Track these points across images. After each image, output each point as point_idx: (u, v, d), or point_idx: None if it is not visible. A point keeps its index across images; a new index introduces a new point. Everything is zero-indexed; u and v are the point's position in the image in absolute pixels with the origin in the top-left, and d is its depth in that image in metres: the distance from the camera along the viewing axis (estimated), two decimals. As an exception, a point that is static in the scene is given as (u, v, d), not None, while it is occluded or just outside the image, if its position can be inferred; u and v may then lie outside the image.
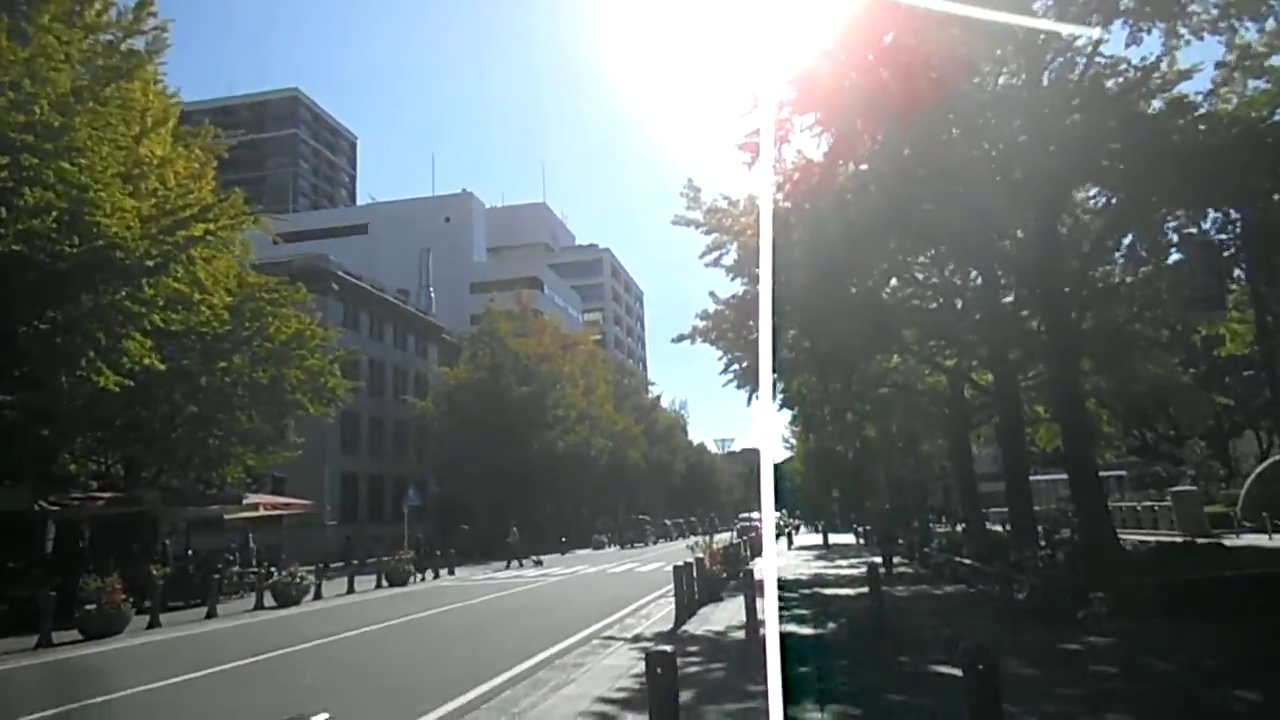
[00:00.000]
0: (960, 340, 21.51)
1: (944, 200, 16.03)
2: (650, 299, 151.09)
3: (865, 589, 16.35)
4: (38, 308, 15.28)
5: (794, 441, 78.20)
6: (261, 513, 22.43)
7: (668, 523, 64.38)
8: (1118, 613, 10.96)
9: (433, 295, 68.78)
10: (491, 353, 53.86)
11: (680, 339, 20.54)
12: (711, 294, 19.68)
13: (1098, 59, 14.11)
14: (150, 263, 15.78)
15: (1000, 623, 11.04)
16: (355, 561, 28.06)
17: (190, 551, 23.43)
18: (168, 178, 19.45)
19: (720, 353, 26.05)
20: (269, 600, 18.67)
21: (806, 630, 11.05)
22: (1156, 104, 14.10)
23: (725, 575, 16.32)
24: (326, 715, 2.73)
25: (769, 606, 9.53)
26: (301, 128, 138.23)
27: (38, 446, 21.17)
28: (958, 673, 7.85)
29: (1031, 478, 39.45)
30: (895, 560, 19.91)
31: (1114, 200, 15.73)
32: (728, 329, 19.48)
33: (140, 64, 17.51)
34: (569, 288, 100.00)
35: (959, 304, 21.49)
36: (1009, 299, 20.78)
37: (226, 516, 24.50)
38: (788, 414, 65.85)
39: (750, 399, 24.73)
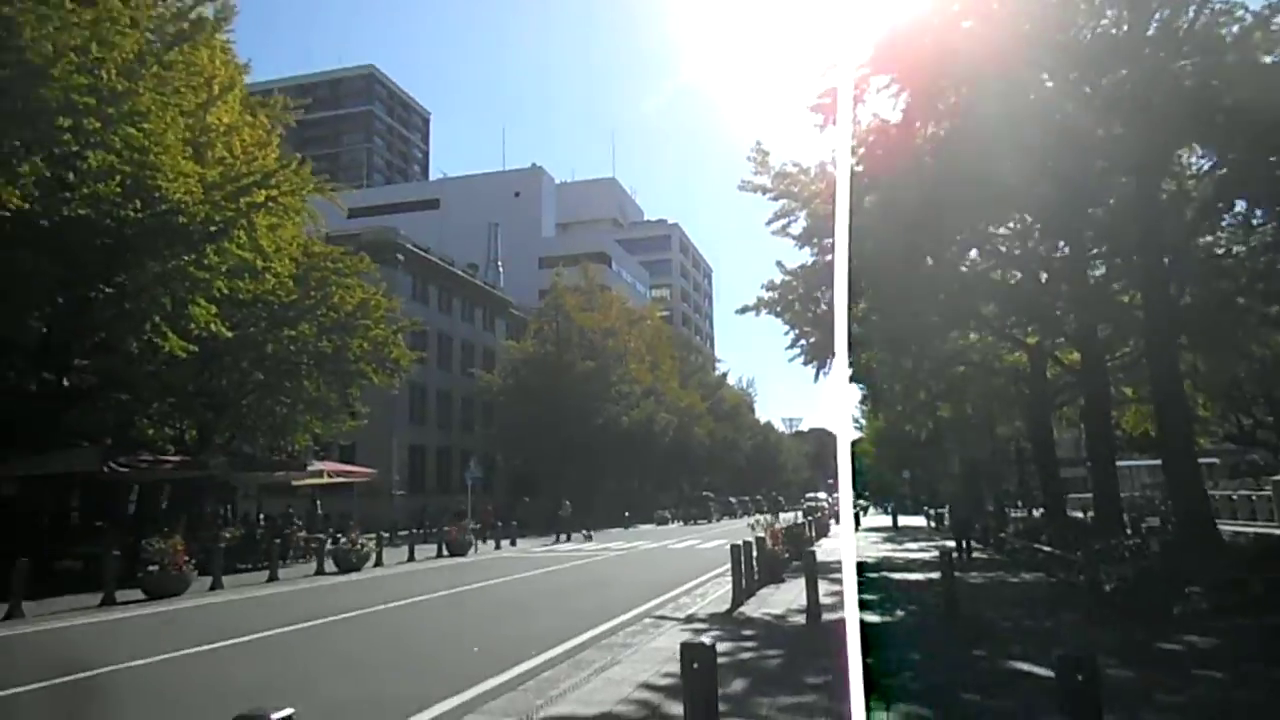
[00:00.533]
0: (1044, 316, 20.23)
1: (1032, 163, 14.91)
2: (719, 276, 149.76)
3: (936, 574, 15.54)
4: (106, 272, 15.48)
5: (863, 421, 76.71)
6: (326, 480, 22.67)
7: (732, 500, 63.78)
8: (1219, 610, 9.99)
9: (501, 269, 69.10)
10: (557, 327, 53.81)
11: (745, 310, 19.83)
12: (779, 264, 18.92)
13: (1211, 3, 12.79)
14: (213, 228, 15.81)
15: (1086, 616, 10.17)
16: (423, 530, 28.23)
17: (261, 516, 23.84)
18: (234, 145, 19.54)
19: (787, 327, 25.37)
20: (330, 566, 18.79)
21: (873, 618, 10.36)
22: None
23: (788, 555, 15.67)
24: (290, 711, 2.23)
25: (848, 594, 8.87)
26: (377, 104, 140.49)
27: (115, 411, 21.83)
28: (1041, 671, 7.18)
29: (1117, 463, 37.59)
30: (970, 545, 18.92)
31: (1224, 161, 14.34)
32: (794, 300, 18.69)
33: (207, 30, 17.50)
34: (637, 263, 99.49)
35: (1044, 277, 20.18)
36: (1099, 272, 19.43)
37: (294, 483, 24.88)
38: (857, 392, 64.31)
39: (818, 375, 23.91)
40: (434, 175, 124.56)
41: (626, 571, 18.27)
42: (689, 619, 10.22)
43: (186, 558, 14.32)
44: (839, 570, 16.68)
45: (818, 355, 23.86)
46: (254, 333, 20.83)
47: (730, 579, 12.25)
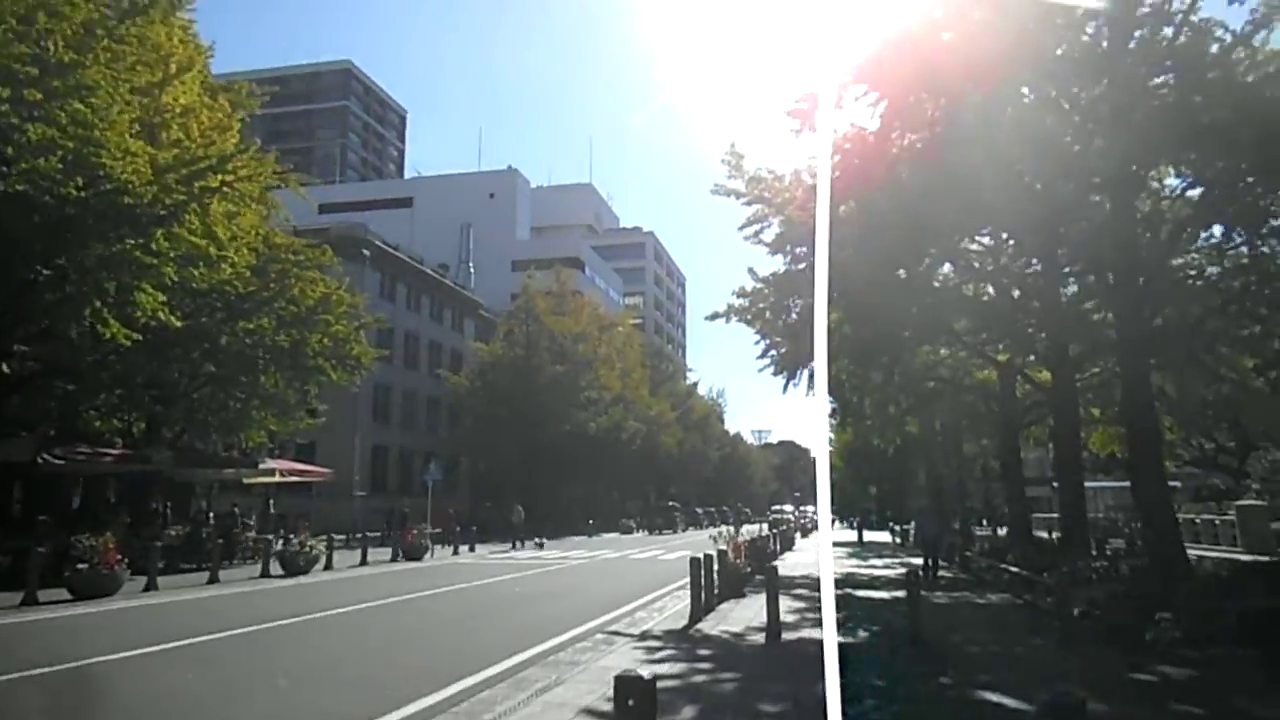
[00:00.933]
0: (1016, 333, 20.07)
1: (1009, 176, 14.68)
2: (693, 285, 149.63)
3: (901, 593, 15.20)
4: (45, 254, 14.69)
5: (832, 435, 76.69)
6: (279, 479, 21.86)
7: (699, 510, 63.39)
8: (1191, 639, 9.68)
9: (472, 270, 68.34)
10: (527, 330, 53.19)
11: (714, 317, 19.43)
12: (750, 270, 18.51)
13: (1193, 19, 12.61)
14: (162, 212, 15.08)
15: (1055, 641, 9.81)
16: (390, 533, 27.32)
17: (210, 515, 22.94)
18: (191, 128, 18.78)
19: (757, 337, 25.03)
20: (277, 569, 18.03)
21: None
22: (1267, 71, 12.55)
23: (750, 570, 15.22)
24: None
25: (826, 617, 8.41)
26: (353, 100, 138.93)
27: (59, 401, 20.91)
28: (1013, 703, 6.78)
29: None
30: (936, 564, 18.61)
31: (1201, 180, 14.18)
32: (765, 309, 18.30)
33: (163, 4, 16.78)
34: (611, 270, 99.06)
35: (1016, 294, 20.02)
36: (1070, 289, 19.29)
37: (246, 480, 24.05)
38: (827, 404, 64.17)
39: (787, 386, 23.53)
40: (409, 174, 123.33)
41: (584, 582, 17.73)
42: (643, 636, 9.71)
43: (120, 556, 13.55)
44: (802, 586, 16.29)
45: (788, 365, 23.49)
46: (207, 323, 20.00)
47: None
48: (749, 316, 18.60)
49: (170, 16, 18.17)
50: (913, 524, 22.75)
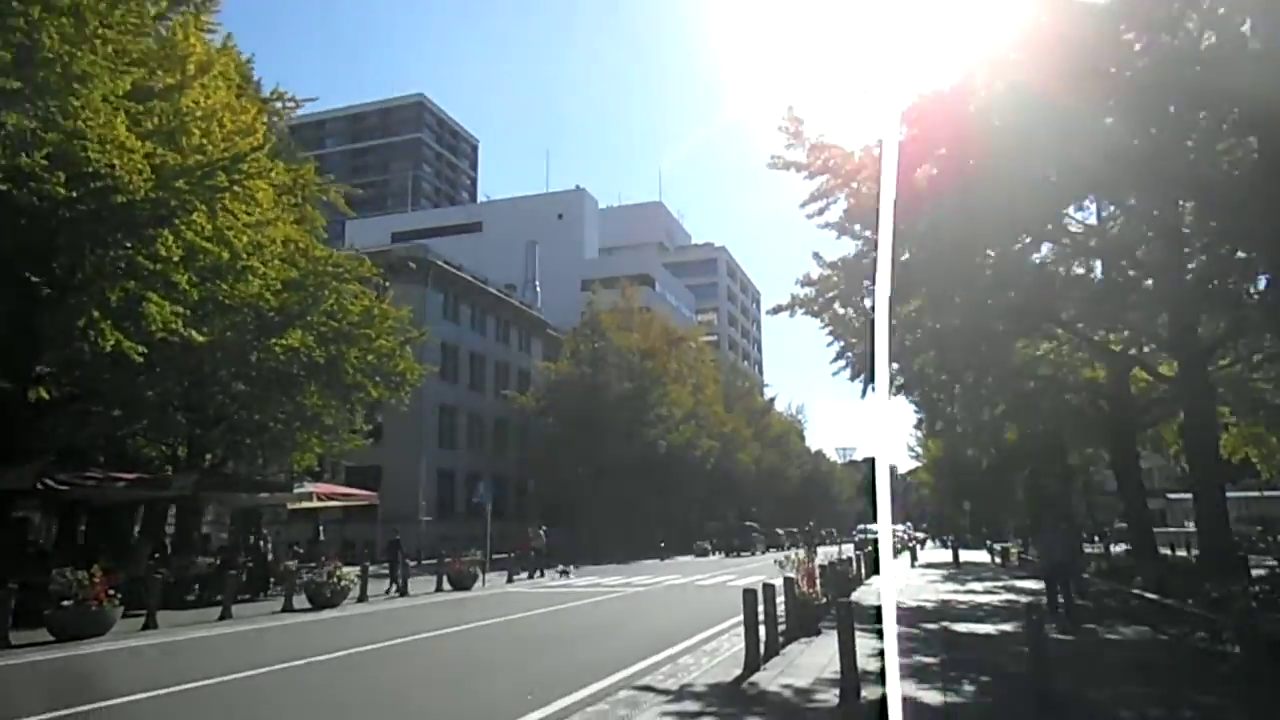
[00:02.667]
0: (1131, 318, 17.28)
1: (1121, 121, 12.19)
2: (768, 301, 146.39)
3: (1010, 626, 12.66)
4: (38, 261, 13.65)
5: (919, 449, 72.74)
6: (317, 503, 20.60)
7: (780, 531, 60.37)
8: None
9: (539, 289, 67.30)
10: (593, 347, 51.68)
11: (777, 310, 17.19)
12: (815, 255, 16.20)
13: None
14: (163, 211, 13.87)
15: (1225, 691, 7.33)
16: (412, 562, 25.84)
17: (250, 542, 21.81)
18: (214, 132, 17.77)
19: (830, 337, 22.72)
20: (302, 602, 16.57)
21: (932, 694, 7.66)
22: None
23: (826, 600, 12.93)
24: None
25: (889, 660, 6.30)
26: (426, 132, 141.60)
27: (99, 424, 20.12)
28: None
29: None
30: (1070, 594, 15.72)
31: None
32: (835, 298, 15.98)
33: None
34: (683, 286, 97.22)
35: (1131, 273, 17.22)
36: (1193, 265, 16.43)
37: (292, 506, 22.87)
38: (913, 415, 60.66)
39: (865, 391, 21.17)
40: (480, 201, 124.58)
41: (635, 614, 15.69)
42: (680, 692, 7.63)
43: (111, 591, 12.20)
44: (895, 617, 13.87)
45: (864, 367, 21.16)
46: (232, 339, 18.88)
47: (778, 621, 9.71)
48: (815, 308, 16.30)
49: (191, 16, 17.26)
50: (1035, 545, 19.95)
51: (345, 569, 17.79)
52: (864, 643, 10.78)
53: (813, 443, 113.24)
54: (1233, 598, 11.51)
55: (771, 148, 15.03)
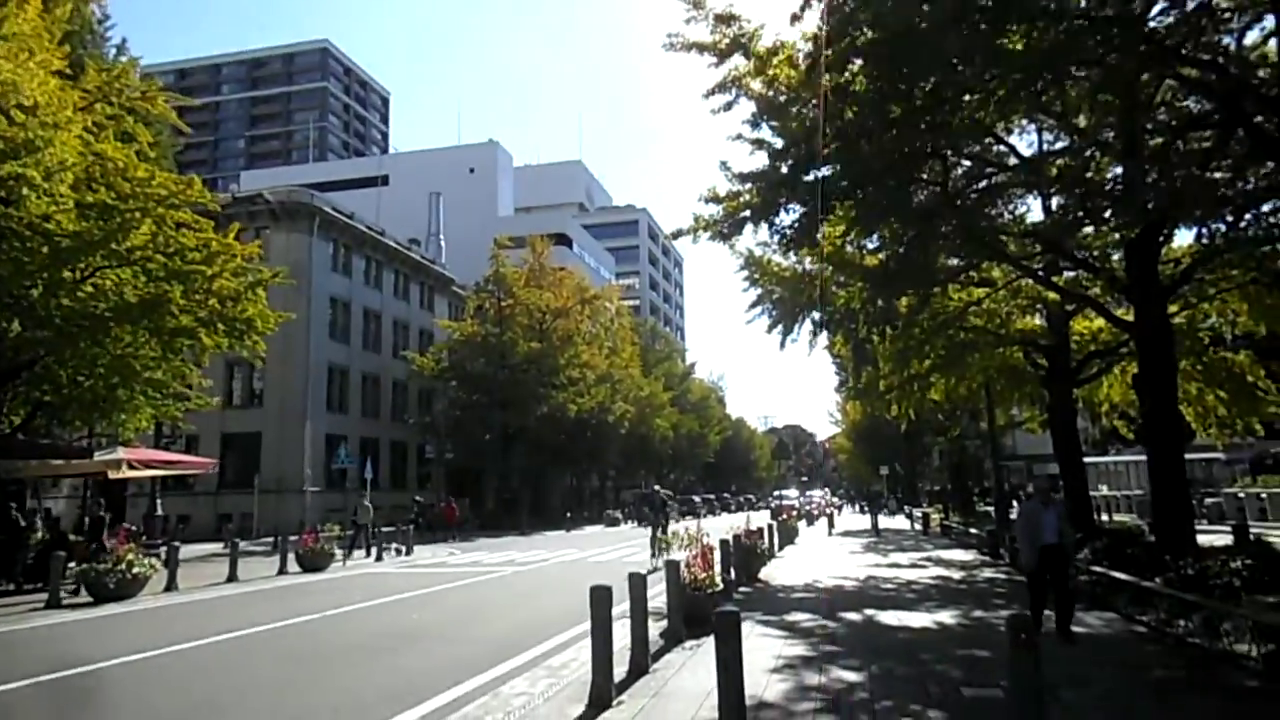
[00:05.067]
0: (1077, 256, 15.05)
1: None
2: (691, 267, 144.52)
3: (949, 614, 10.31)
4: None
5: (838, 415, 71.79)
6: (127, 471, 16.95)
7: (696, 499, 58.46)
8: None
9: (443, 243, 63.15)
10: (499, 304, 48.28)
11: (678, 235, 14.33)
12: (723, 165, 13.25)
13: None
14: None
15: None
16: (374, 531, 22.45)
17: (47, 519, 18.04)
18: None
19: (745, 283, 20.15)
20: (80, 595, 13.16)
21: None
22: None
23: (724, 587, 10.29)
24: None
25: None
26: (332, 81, 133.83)
27: None
28: None
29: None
30: (972, 559, 13.36)
31: None
32: (746, 219, 13.17)
33: None
34: (602, 249, 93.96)
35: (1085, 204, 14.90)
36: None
37: (113, 476, 19.02)
38: (833, 377, 59.00)
39: (784, 342, 18.81)
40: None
41: (497, 604, 12.86)
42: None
43: None
44: (805, 605, 11.37)
45: (785, 316, 18.64)
46: (3, 271, 15.11)
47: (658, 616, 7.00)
48: (724, 230, 13.41)
49: None
50: (1013, 520, 13.47)
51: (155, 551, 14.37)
52: (769, 646, 8.19)
53: (734, 409, 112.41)
54: (1208, 574, 9.37)
55: (701, 107, 12.15)
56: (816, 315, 17.95)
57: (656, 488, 14.68)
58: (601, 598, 6.08)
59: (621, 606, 7.25)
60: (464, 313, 50.92)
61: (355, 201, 58.64)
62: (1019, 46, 9.31)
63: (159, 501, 22.57)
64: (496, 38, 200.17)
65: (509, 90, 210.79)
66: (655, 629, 8.78)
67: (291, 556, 18.11)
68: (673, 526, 16.40)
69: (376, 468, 45.93)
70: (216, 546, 23.68)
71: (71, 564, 14.20)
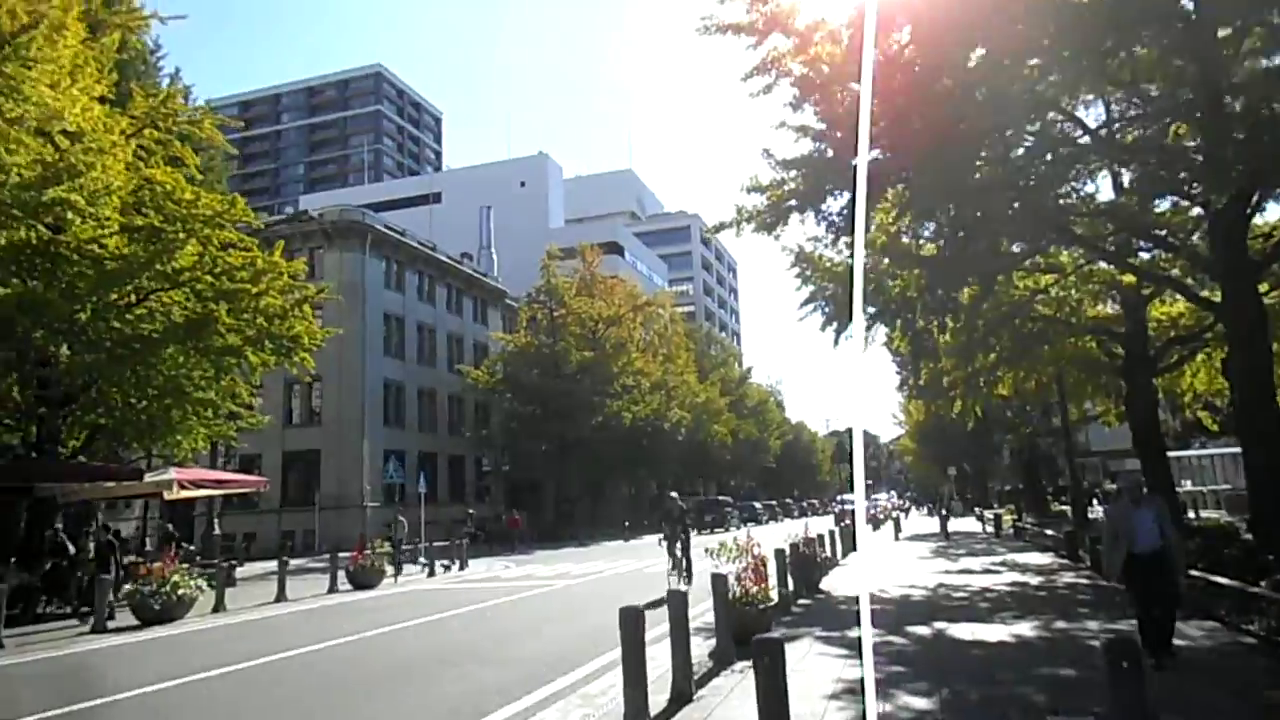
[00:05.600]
0: (1154, 235, 13.93)
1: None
2: (744, 272, 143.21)
3: (1028, 625, 9.42)
4: None
5: (901, 416, 69.85)
6: (178, 493, 17.00)
7: (757, 505, 57.33)
8: None
9: (495, 256, 63.33)
10: (551, 314, 48.14)
11: (720, 228, 13.66)
12: (765, 152, 12.54)
13: None
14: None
15: None
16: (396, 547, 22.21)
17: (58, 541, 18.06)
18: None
19: (798, 280, 19.38)
20: (128, 618, 13.07)
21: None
22: None
23: (776, 601, 9.58)
24: None
25: None
26: (385, 104, 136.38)
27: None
28: None
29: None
30: (1049, 562, 12.21)
31: None
32: (791, 208, 12.45)
33: None
34: (655, 256, 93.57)
35: (1161, 173, 13.76)
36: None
37: (169, 497, 19.16)
38: (894, 375, 57.13)
39: (837, 339, 17.97)
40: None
41: (545, 621, 12.34)
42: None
43: None
44: (873, 616, 10.58)
45: (838, 312, 17.78)
46: (50, 294, 15.25)
47: (704, 631, 6.38)
48: (769, 220, 12.69)
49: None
50: (1101, 523, 9.64)
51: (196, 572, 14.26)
52: (827, 668, 7.47)
53: (793, 414, 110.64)
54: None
55: (751, 113, 11.44)
56: (871, 309, 17.07)
57: (673, 494, 13.81)
58: (632, 619, 5.47)
59: (665, 625, 6.67)
60: (517, 325, 50.92)
61: (409, 219, 59.36)
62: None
63: (217, 520, 22.71)
64: (545, 52, 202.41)
65: (559, 103, 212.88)
66: (704, 649, 8.16)
67: (342, 574, 17.91)
68: (718, 536, 15.64)
69: (435, 481, 46.21)
70: (276, 565, 23.81)
71: (126, 585, 14.18)
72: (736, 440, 65.46)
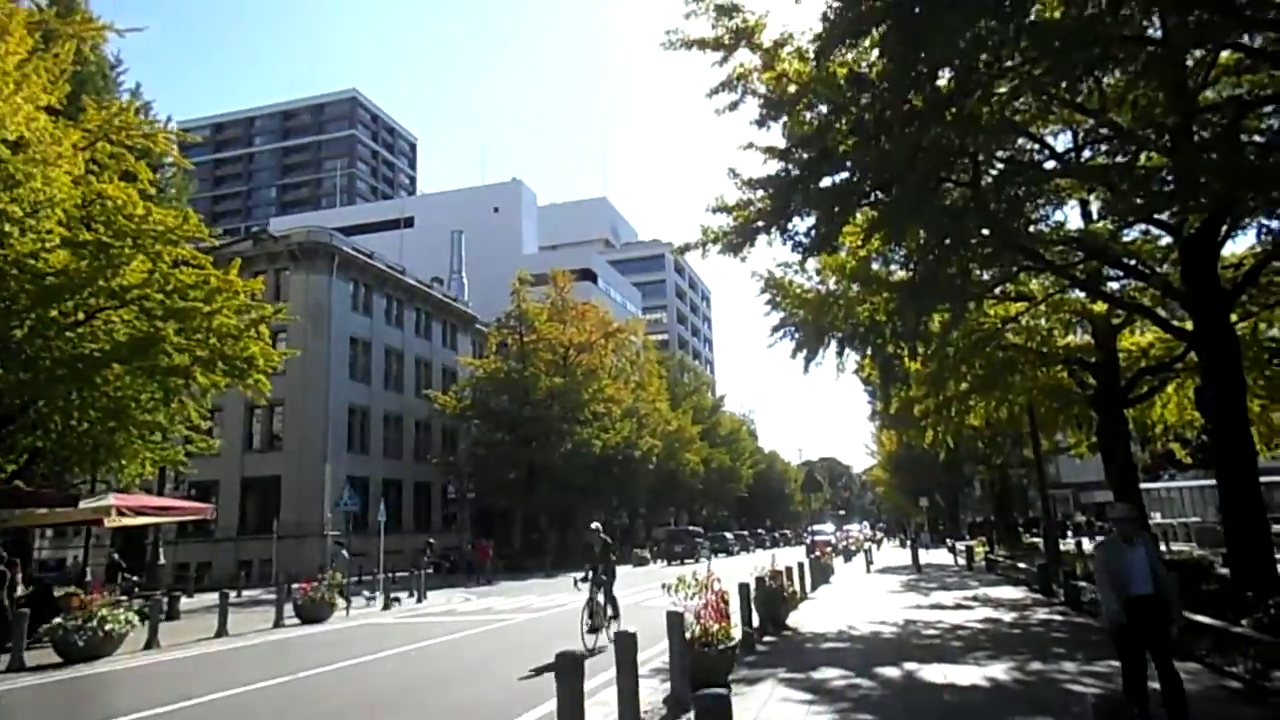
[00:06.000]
0: (1125, 264, 13.74)
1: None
2: (718, 301, 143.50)
3: (1002, 667, 8.96)
4: None
5: (874, 446, 69.73)
6: (115, 520, 16.12)
7: (728, 535, 56.70)
8: None
9: (465, 280, 62.72)
10: (521, 339, 47.56)
11: (685, 249, 13.26)
12: (731, 172, 12.20)
13: None
14: None
15: None
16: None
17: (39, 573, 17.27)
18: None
19: (767, 306, 19.04)
20: (52, 655, 12.20)
21: None
22: None
23: (738, 640, 9.01)
24: None
25: None
26: (360, 129, 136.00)
27: None
28: None
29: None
30: (1023, 597, 11.79)
31: None
32: (759, 228, 12.07)
33: None
34: (628, 284, 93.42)
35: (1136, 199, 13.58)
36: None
37: (110, 525, 18.24)
38: (865, 404, 57.17)
39: (807, 366, 17.62)
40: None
41: (503, 656, 11.66)
42: None
43: None
44: (839, 658, 10.08)
45: (809, 339, 17.39)
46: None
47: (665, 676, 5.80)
48: (734, 242, 12.29)
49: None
50: (1097, 568, 7.78)
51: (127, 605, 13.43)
52: (790, 716, 6.92)
53: (766, 444, 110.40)
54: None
55: (725, 140, 11.12)
56: (839, 334, 16.70)
57: (596, 526, 12.69)
58: (569, 668, 4.92)
59: (645, 650, 6.10)
60: (487, 350, 50.26)
61: (382, 244, 58.69)
62: (1057, 14, 8.21)
63: (163, 549, 21.75)
64: (521, 80, 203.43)
65: (534, 131, 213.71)
66: (660, 694, 7.60)
67: (290, 607, 17.08)
68: (688, 568, 14.92)
69: (400, 509, 45.20)
70: (232, 594, 22.79)
71: (57, 619, 13.31)
72: (709, 469, 64.94)
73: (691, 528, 53.26)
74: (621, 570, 36.35)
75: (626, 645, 5.88)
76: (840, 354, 17.80)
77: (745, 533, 64.13)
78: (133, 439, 19.00)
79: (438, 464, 46.62)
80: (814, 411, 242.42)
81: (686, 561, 43.04)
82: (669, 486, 58.81)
